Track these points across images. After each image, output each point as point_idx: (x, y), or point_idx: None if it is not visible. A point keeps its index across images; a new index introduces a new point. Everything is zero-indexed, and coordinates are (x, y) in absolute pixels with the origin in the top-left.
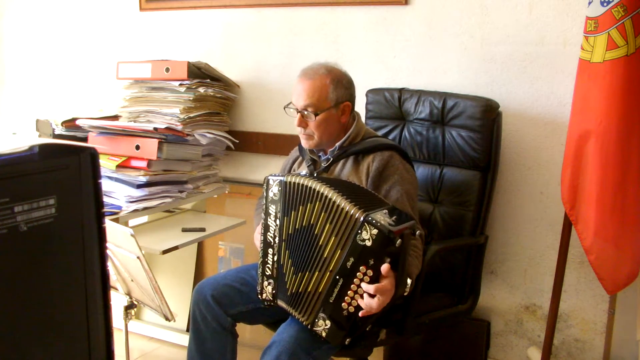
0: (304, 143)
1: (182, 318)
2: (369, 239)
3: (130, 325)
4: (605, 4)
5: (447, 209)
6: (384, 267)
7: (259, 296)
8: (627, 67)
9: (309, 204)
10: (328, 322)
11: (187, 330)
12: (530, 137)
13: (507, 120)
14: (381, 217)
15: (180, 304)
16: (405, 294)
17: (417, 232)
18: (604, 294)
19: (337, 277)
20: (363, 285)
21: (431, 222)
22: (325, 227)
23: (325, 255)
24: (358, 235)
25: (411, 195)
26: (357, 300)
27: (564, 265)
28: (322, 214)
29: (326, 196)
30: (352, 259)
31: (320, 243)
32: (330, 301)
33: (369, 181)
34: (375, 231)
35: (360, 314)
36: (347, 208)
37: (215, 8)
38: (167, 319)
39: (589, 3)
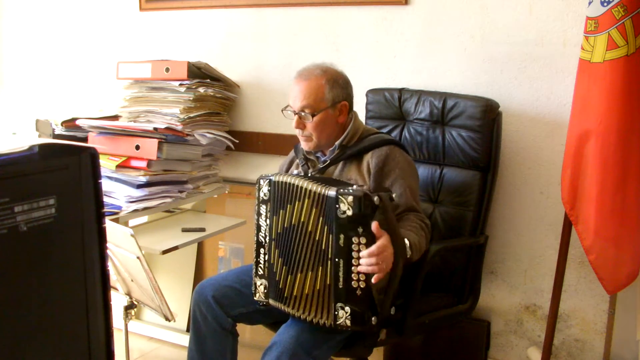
0: (304, 145)
1: (182, 318)
2: (348, 209)
3: (130, 325)
4: (605, 4)
5: (447, 209)
6: (374, 226)
7: (254, 296)
8: (627, 67)
9: (297, 202)
10: (348, 309)
11: (187, 330)
12: (530, 137)
13: (507, 120)
14: (353, 187)
15: (180, 304)
16: (408, 256)
17: (393, 195)
18: (604, 294)
19: (337, 259)
20: (361, 254)
21: (431, 222)
22: (319, 222)
23: (323, 248)
24: (338, 210)
25: (413, 189)
26: (363, 274)
27: (564, 265)
28: (314, 209)
29: (314, 191)
30: (342, 236)
31: (317, 238)
32: (340, 287)
33: (371, 178)
34: (350, 198)
35: (373, 280)
36: (324, 191)
37: (215, 8)
38: (167, 319)
39: (589, 3)
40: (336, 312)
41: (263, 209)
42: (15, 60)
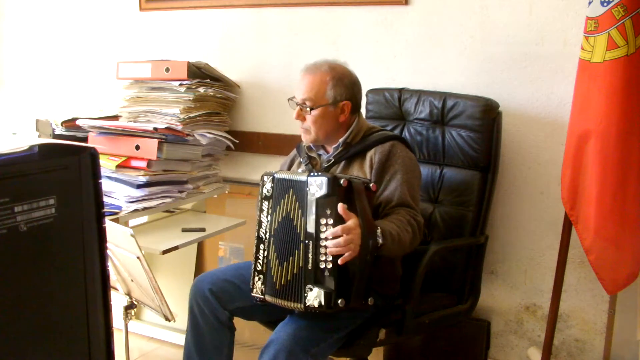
0: (303, 137)
1: (182, 318)
2: (317, 190)
3: (130, 325)
4: (605, 4)
5: (448, 209)
6: (340, 207)
7: (251, 293)
8: (627, 67)
9: (286, 195)
10: (315, 290)
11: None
12: (530, 137)
13: (507, 120)
14: (327, 173)
15: (180, 304)
16: (380, 243)
17: (372, 185)
18: (604, 294)
19: (307, 241)
20: (326, 233)
21: (431, 222)
22: (296, 207)
23: (298, 231)
24: (309, 193)
25: (411, 184)
26: (331, 255)
27: (564, 265)
28: (294, 196)
29: (294, 180)
30: (311, 218)
31: (295, 224)
32: (310, 268)
33: (372, 174)
34: (319, 180)
35: (340, 261)
36: (299, 177)
37: (215, 8)
38: (167, 319)
39: (589, 3)
40: (305, 294)
41: (265, 205)
42: (15, 60)
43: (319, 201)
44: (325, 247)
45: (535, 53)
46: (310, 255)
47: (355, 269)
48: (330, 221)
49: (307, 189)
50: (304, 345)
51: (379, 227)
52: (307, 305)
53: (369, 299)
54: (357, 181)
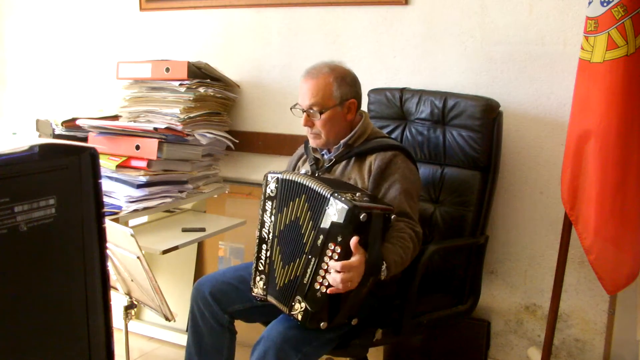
0: (312, 142)
1: (182, 318)
2: (334, 214)
3: (130, 325)
4: (605, 4)
5: (448, 209)
6: (352, 242)
7: (251, 292)
8: (627, 67)
9: (297, 199)
10: (303, 304)
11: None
12: (530, 137)
13: (507, 120)
14: (350, 195)
15: (180, 304)
16: (382, 278)
17: (392, 216)
18: (604, 294)
19: (310, 256)
20: (330, 262)
21: (432, 222)
22: (307, 216)
23: (304, 241)
24: (326, 213)
25: (410, 194)
26: (328, 280)
27: (564, 265)
28: (306, 204)
29: (312, 188)
30: (321, 237)
31: (302, 232)
32: (305, 282)
33: (370, 179)
34: (340, 205)
35: (328, 290)
36: (320, 190)
37: (215, 8)
38: (167, 319)
39: (589, 3)
40: (293, 303)
41: (269, 205)
42: (16, 60)
43: (334, 225)
44: (326, 270)
45: (535, 53)
46: (309, 271)
47: (348, 298)
48: (338, 249)
49: (327, 207)
50: (294, 343)
51: (384, 263)
52: (291, 313)
53: (353, 320)
54: (378, 212)
